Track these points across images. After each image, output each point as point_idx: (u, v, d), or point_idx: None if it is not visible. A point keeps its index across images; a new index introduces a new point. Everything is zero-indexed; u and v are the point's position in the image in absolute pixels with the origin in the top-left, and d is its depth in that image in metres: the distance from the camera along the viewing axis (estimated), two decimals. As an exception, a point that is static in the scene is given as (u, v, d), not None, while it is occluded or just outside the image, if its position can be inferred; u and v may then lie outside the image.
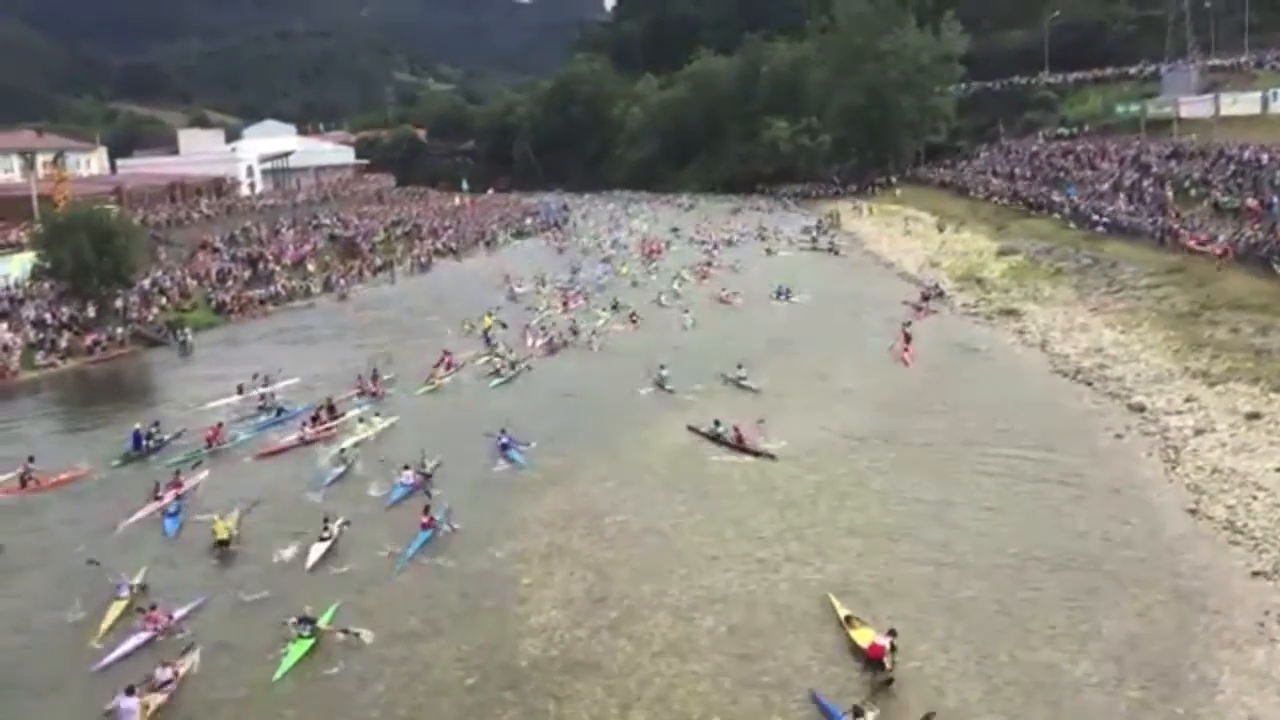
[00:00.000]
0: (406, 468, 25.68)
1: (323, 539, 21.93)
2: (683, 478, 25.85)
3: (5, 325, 45.08)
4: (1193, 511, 21.79)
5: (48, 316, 46.69)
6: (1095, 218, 54.19)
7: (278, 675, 17.10)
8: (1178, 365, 31.91)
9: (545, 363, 39.88)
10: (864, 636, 16.71)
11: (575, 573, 20.47)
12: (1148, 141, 65.30)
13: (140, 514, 24.40)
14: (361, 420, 31.43)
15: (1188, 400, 28.72)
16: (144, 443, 29.80)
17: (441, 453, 27.43)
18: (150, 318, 49.60)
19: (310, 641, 17.84)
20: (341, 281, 62.56)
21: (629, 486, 25.35)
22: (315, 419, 31.19)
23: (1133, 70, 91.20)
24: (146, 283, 53.37)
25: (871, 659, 16.08)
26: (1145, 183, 55.71)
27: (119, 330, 46.83)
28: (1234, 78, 75.93)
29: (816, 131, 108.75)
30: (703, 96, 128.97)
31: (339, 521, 22.66)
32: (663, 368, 35.11)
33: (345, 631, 18.16)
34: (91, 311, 47.62)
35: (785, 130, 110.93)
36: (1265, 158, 49.04)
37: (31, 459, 27.61)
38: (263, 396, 34.55)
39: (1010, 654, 16.68)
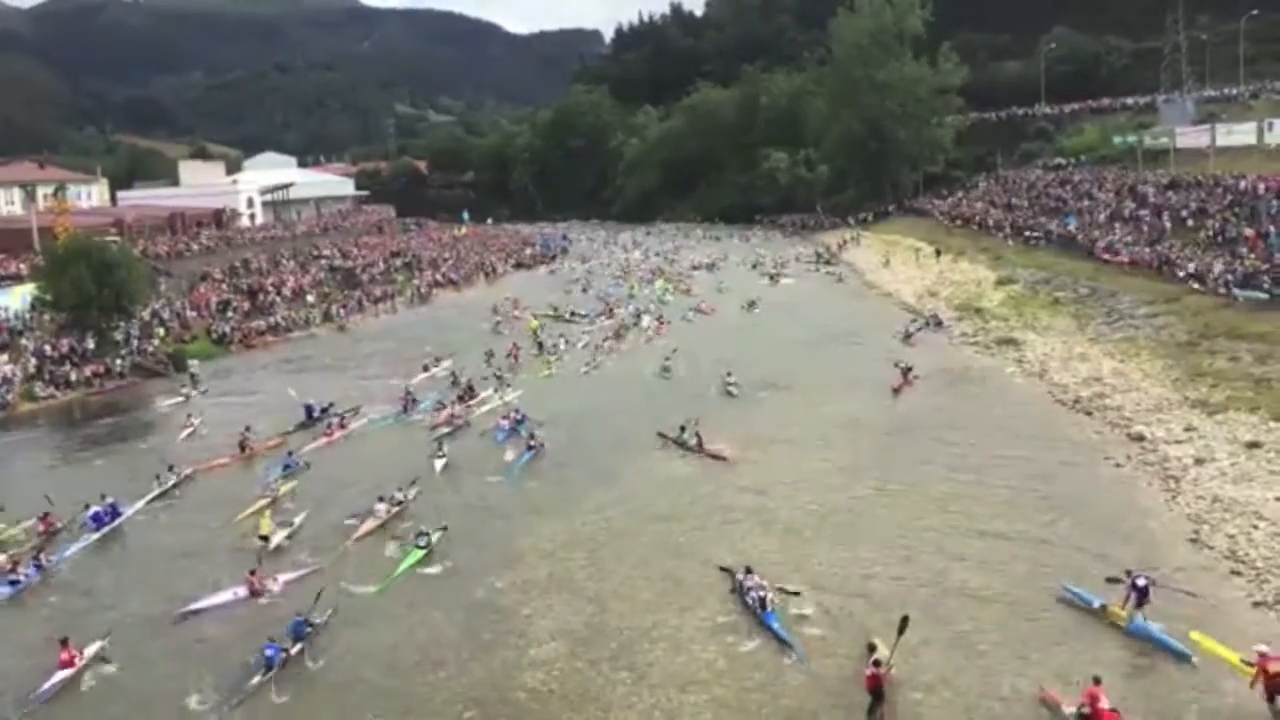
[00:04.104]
0: (507, 415, 34.24)
1: (438, 457, 30.35)
2: (683, 506, 25.82)
3: (5, 357, 45.15)
4: (1193, 541, 21.71)
5: (48, 348, 46.72)
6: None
7: (397, 572, 22.05)
8: (1177, 394, 31.88)
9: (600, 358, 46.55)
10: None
11: (574, 604, 20.40)
12: (1144, 172, 65.65)
13: (310, 447, 32.99)
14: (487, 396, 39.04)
15: (1187, 429, 28.67)
16: (315, 413, 36.45)
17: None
18: (150, 349, 49.65)
19: (424, 552, 22.71)
20: (341, 312, 62.69)
21: (629, 516, 25.31)
22: (461, 399, 37.93)
23: (1129, 101, 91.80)
24: (146, 314, 53.51)
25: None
26: (1142, 212, 55.94)
27: (119, 362, 46.89)
28: (1230, 109, 76.50)
29: (814, 162, 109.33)
30: (701, 128, 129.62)
31: (448, 446, 31.22)
32: (666, 358, 43.02)
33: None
34: (91, 343, 47.71)
35: (783, 161, 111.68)
36: (1262, 187, 49.20)
37: (248, 428, 33.62)
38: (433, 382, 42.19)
39: (1011, 687, 16.56)
